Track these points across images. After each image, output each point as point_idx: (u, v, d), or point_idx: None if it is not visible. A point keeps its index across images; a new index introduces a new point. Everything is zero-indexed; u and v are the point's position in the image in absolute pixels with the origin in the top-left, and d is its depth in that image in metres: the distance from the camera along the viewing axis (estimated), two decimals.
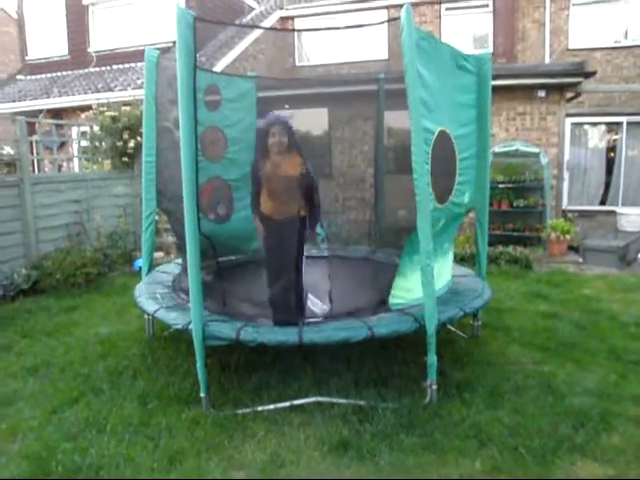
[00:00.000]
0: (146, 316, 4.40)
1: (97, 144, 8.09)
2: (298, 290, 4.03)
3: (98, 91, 10.64)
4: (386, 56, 12.39)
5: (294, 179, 3.82)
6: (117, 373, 3.82)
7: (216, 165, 5.30)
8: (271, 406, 3.25)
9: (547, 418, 3.07)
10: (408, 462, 2.68)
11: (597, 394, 3.38)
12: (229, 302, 3.79)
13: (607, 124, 10.51)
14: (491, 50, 10.98)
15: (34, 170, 8.53)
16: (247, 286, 4.44)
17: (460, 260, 6.67)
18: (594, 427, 2.96)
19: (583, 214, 9.84)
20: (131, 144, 7.79)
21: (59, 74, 12.76)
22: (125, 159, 8.00)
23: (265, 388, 3.49)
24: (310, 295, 4.33)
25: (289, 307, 3.84)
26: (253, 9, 13.98)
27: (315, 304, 4.36)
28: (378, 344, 3.79)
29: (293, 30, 13.07)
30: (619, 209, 9.33)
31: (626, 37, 11.29)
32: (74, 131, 9.50)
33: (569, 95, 8.79)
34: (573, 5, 11.39)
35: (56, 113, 11.00)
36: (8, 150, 7.05)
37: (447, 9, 12.21)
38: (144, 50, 4.55)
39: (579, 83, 8.36)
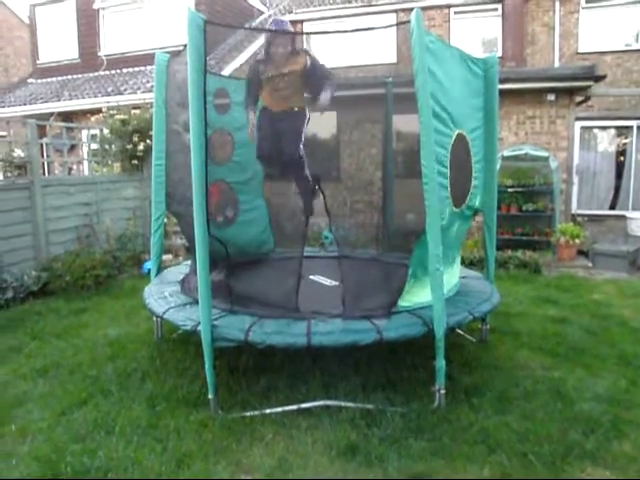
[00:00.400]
0: (155, 318, 4.42)
1: (107, 147, 8.15)
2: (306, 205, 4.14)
3: (108, 94, 10.73)
4: (394, 60, 12.38)
5: (298, 73, 3.99)
6: (126, 375, 3.84)
7: (221, 168, 5.30)
8: (279, 409, 3.25)
9: (556, 424, 3.05)
10: (416, 468, 2.66)
11: (607, 400, 3.35)
12: (238, 299, 3.79)
13: (617, 128, 10.45)
14: (500, 54, 10.95)
15: (44, 173, 8.61)
16: (256, 281, 4.46)
17: (469, 264, 6.65)
18: (605, 434, 2.94)
19: (592, 218, 9.78)
20: (140, 147, 7.84)
21: (70, 77, 12.88)
22: (135, 162, 8.05)
23: (273, 391, 3.49)
24: (317, 276, 4.47)
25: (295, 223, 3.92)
26: (262, 13, 14.04)
27: (324, 280, 4.61)
28: (387, 348, 3.78)
29: (302, 33, 13.10)
30: (629, 213, 9.25)
31: (637, 40, 11.21)
32: (84, 134, 9.56)
33: (579, 99, 8.75)
34: (583, 8, 11.33)
35: (66, 116, 11.10)
36: (19, 153, 7.10)
37: (456, 13, 12.19)
38: (154, 54, 4.58)
39: (589, 87, 8.30)
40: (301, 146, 4.14)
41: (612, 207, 10.35)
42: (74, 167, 10.16)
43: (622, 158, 10.40)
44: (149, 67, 11.19)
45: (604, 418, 3.09)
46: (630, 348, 4.25)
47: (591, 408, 3.23)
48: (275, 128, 4.15)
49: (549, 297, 5.84)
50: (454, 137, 3.41)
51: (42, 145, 8.30)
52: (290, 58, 4.05)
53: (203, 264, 3.14)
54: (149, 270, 5.14)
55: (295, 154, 4.12)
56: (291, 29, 4.15)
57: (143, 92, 10.19)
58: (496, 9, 11.83)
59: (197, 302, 3.36)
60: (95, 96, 10.96)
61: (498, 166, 5.03)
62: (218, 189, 5.30)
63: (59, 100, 11.44)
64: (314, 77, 4.06)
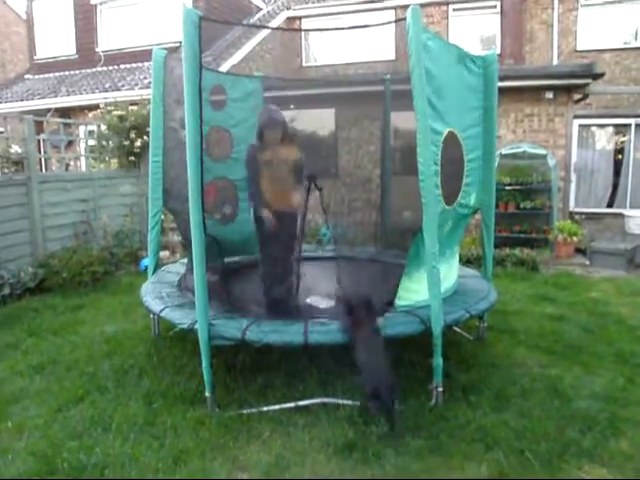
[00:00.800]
0: (152, 315, 4.41)
1: (104, 143, 8.12)
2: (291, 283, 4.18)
3: (106, 90, 10.68)
4: (393, 57, 12.37)
5: (292, 163, 4.18)
6: (123, 372, 3.83)
7: (221, 165, 5.29)
8: (276, 406, 3.25)
9: (554, 422, 3.05)
10: (414, 465, 2.66)
11: (604, 398, 3.35)
12: (234, 301, 3.79)
13: (615, 126, 10.45)
14: (499, 51, 10.93)
15: (41, 169, 8.58)
16: (252, 285, 4.45)
17: (466, 262, 6.64)
18: (601, 431, 2.94)
19: (590, 216, 9.78)
20: (138, 143, 7.81)
21: (67, 73, 12.82)
22: (132, 158, 8.02)
23: (270, 388, 3.49)
24: (313, 298, 4.41)
25: (289, 299, 3.98)
26: (260, 9, 14.00)
27: (319, 302, 4.43)
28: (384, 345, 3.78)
29: (300, 30, 13.07)
30: (627, 211, 9.26)
31: (636, 38, 11.22)
32: (81, 130, 9.54)
33: (577, 97, 8.75)
34: (582, 6, 11.33)
35: (64, 112, 11.04)
36: (16, 149, 7.08)
37: (455, 10, 12.18)
38: (151, 50, 4.57)
39: (587, 84, 8.31)
40: (296, 248, 4.23)
41: (610, 205, 10.36)
42: (71, 163, 10.11)
43: (620, 156, 10.41)
44: (147, 63, 11.13)
45: (601, 416, 3.09)
46: (627, 346, 4.26)
47: (588, 406, 3.23)
48: (278, 228, 4.20)
49: (546, 295, 5.84)
50: (444, 135, 3.40)
51: (39, 141, 8.26)
52: (284, 146, 4.21)
53: (199, 262, 3.13)
54: (146, 267, 5.14)
55: (289, 254, 4.21)
56: (281, 116, 4.30)
57: (141, 88, 10.14)
58: (495, 6, 11.84)
59: (194, 302, 3.35)
60: (92, 92, 10.90)
61: (496, 164, 5.02)
62: (215, 187, 5.29)
63: (56, 96, 11.38)
64: (301, 172, 4.24)
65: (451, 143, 3.53)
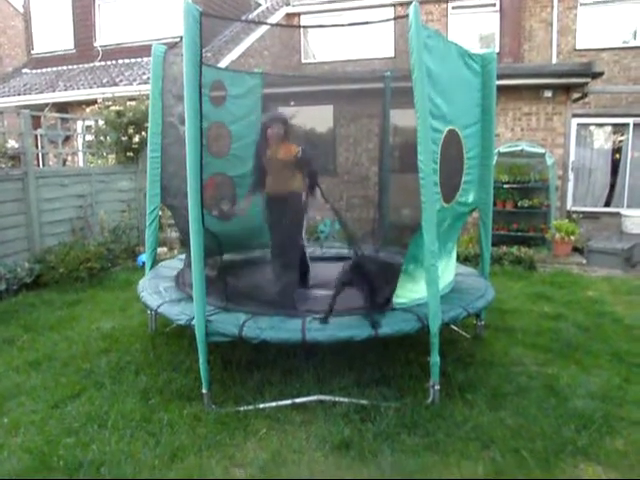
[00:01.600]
0: (149, 311, 4.40)
1: (102, 138, 8.09)
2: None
3: (103, 85, 10.64)
4: (392, 54, 12.35)
5: (289, 162, 4.42)
6: (119, 368, 3.82)
7: (219, 161, 5.28)
8: (273, 404, 3.25)
9: (550, 420, 3.05)
10: (410, 463, 2.66)
11: (600, 397, 3.36)
12: (232, 296, 3.78)
13: (613, 125, 10.47)
14: (498, 50, 10.93)
15: (39, 164, 8.55)
16: (251, 280, 4.45)
17: (464, 260, 6.65)
18: (597, 430, 2.94)
19: (588, 215, 9.80)
20: (136, 139, 7.78)
21: (65, 68, 12.76)
22: (130, 154, 7.99)
23: (267, 385, 3.49)
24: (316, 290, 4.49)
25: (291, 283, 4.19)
26: (259, 5, 13.95)
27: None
28: (381, 343, 3.78)
29: (299, 26, 13.04)
30: (624, 211, 9.29)
31: (635, 37, 11.23)
32: (79, 125, 9.49)
33: (575, 96, 8.74)
34: (581, 5, 11.32)
35: (61, 107, 10.99)
36: (13, 144, 7.05)
37: (454, 8, 12.16)
38: (150, 45, 4.55)
39: (586, 84, 8.30)
40: (303, 232, 4.60)
41: (607, 204, 10.39)
42: (69, 159, 10.08)
43: (618, 155, 10.43)
44: (145, 58, 11.10)
45: (597, 415, 3.10)
46: (623, 345, 4.27)
47: (584, 405, 3.24)
48: (277, 211, 4.52)
49: (544, 293, 5.85)
50: (445, 134, 3.39)
51: (36, 136, 8.22)
52: (284, 145, 4.45)
53: (197, 258, 3.12)
54: (143, 263, 5.13)
55: (297, 239, 4.55)
56: (283, 116, 4.70)
57: (139, 84, 10.11)
58: (494, 5, 11.82)
59: (191, 297, 3.34)
60: (90, 87, 10.86)
61: (494, 162, 5.02)
62: (213, 182, 5.28)
63: (54, 91, 11.33)
64: (305, 162, 4.49)
65: (452, 141, 3.53)
